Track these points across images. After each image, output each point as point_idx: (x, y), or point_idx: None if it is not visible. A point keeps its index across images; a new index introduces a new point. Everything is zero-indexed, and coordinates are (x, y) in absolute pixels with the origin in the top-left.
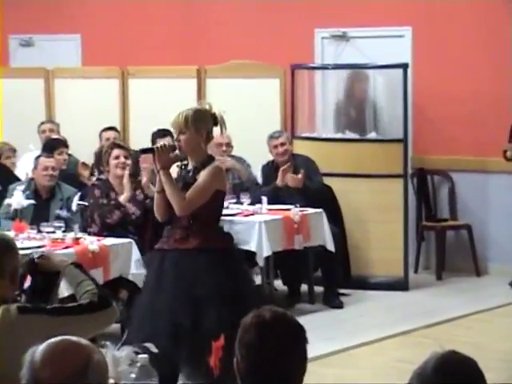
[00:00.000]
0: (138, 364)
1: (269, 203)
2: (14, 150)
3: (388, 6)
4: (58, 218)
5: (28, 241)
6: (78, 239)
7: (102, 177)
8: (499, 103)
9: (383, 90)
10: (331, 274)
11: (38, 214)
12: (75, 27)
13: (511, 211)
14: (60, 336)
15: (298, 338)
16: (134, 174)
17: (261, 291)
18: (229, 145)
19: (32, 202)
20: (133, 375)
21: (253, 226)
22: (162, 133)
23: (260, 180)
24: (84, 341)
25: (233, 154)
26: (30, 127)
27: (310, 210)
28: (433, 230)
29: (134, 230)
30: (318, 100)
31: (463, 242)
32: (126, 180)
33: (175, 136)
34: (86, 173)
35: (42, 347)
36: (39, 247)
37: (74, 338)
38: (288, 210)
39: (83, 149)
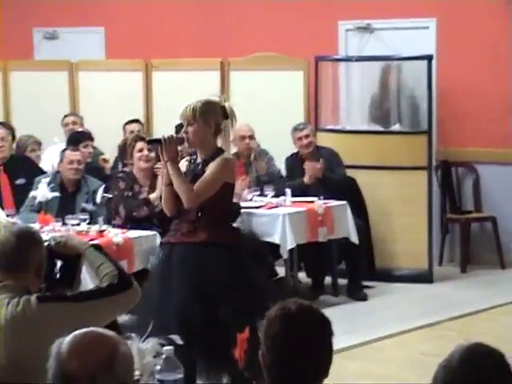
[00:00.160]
0: (163, 356)
1: (293, 196)
2: (39, 143)
3: None
4: (84, 211)
5: (53, 233)
6: (102, 231)
7: (126, 169)
8: None
9: (407, 82)
10: (355, 266)
11: (64, 207)
12: (99, 20)
13: None
14: (82, 322)
15: (324, 330)
16: None
17: (283, 284)
18: (252, 137)
19: (57, 194)
20: (158, 367)
21: (277, 219)
22: None
23: (284, 172)
24: (110, 332)
25: (256, 146)
26: (54, 120)
27: (334, 203)
28: (457, 222)
29: (158, 222)
30: (342, 92)
31: (488, 234)
32: (160, 180)
33: (184, 128)
34: (107, 165)
35: (68, 339)
36: None
37: (100, 330)
38: (312, 202)
39: (107, 141)
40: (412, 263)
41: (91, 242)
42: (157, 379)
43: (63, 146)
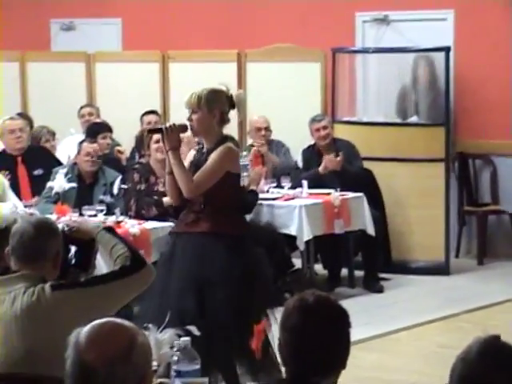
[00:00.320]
0: (181, 346)
1: (309, 188)
2: (53, 134)
3: None
4: (102, 203)
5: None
6: (119, 222)
7: (143, 160)
8: None
9: (424, 74)
10: (372, 258)
11: (81, 199)
12: (116, 11)
13: None
14: (97, 307)
15: (341, 322)
16: None
17: (300, 275)
18: (268, 129)
19: (74, 185)
20: (175, 358)
21: (293, 210)
22: None
23: (300, 164)
24: (128, 323)
25: (272, 137)
26: (71, 111)
27: (351, 195)
28: (474, 214)
29: (174, 212)
30: (359, 84)
31: (505, 226)
32: None
33: (188, 115)
34: (122, 157)
35: (86, 329)
36: None
37: (119, 320)
38: (328, 194)
39: (124, 133)
40: (429, 255)
41: (103, 225)
42: (174, 370)
43: (80, 137)
